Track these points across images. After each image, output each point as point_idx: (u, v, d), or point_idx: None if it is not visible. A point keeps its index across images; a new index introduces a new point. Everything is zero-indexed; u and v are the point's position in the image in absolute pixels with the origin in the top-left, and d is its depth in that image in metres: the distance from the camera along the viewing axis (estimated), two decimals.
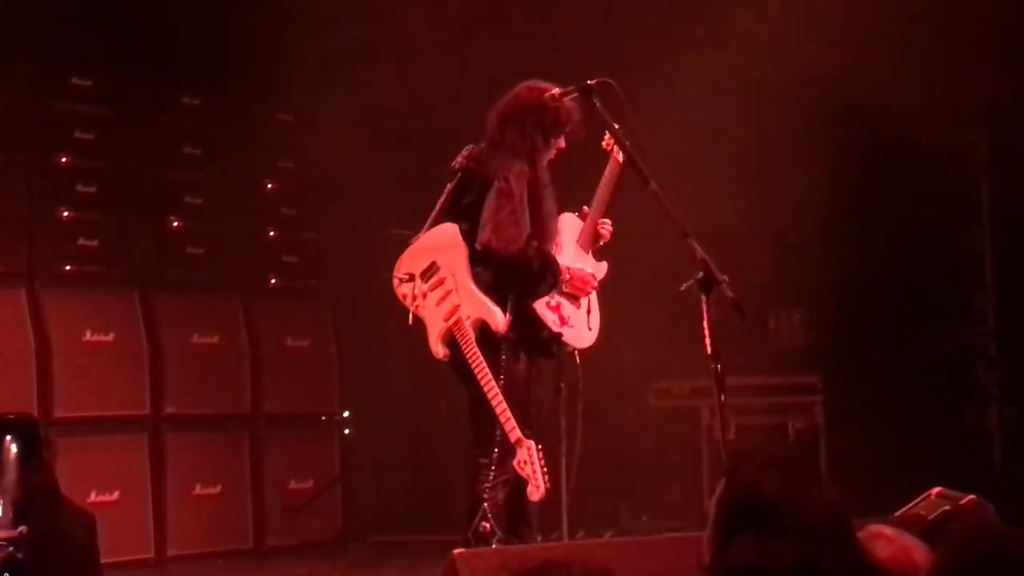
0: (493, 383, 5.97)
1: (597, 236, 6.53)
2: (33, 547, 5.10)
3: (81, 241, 8.51)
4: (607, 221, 6.50)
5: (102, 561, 7.52)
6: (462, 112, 7.78)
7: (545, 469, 5.88)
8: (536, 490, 5.88)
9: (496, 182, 6.18)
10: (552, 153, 6.36)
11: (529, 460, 5.87)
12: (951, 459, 8.58)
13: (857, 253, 9.24)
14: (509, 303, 6.18)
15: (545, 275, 6.25)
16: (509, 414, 5.92)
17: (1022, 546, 2.88)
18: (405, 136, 9.33)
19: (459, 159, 6.36)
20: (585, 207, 6.51)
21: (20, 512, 5.13)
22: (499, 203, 6.16)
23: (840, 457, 8.81)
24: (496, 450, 6.00)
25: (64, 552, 5.38)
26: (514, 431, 5.91)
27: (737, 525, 2.91)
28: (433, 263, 6.26)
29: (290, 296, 9.67)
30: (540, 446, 5.93)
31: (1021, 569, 2.84)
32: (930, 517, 4.87)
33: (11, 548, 5.00)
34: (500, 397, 5.95)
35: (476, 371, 6.01)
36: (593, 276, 6.44)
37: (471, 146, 6.38)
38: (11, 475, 5.17)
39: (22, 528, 5.08)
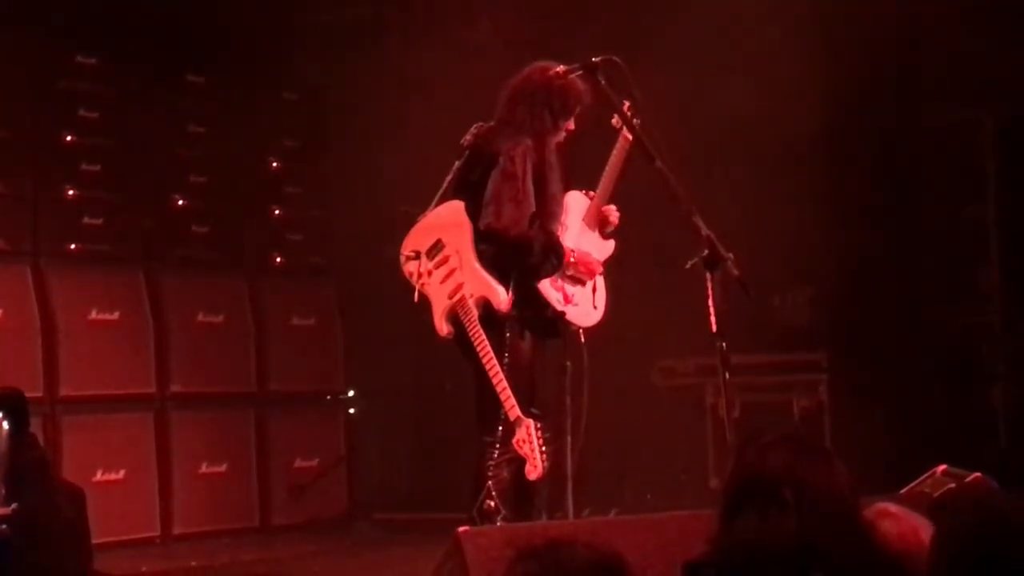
0: (495, 361, 5.98)
1: (604, 215, 6.51)
2: (23, 524, 5.10)
3: (86, 219, 8.51)
4: (614, 208, 6.49)
5: (108, 539, 7.63)
6: (467, 90, 7.76)
7: (544, 448, 5.88)
8: (533, 469, 5.87)
9: (500, 160, 6.18)
10: (561, 135, 6.36)
11: (527, 439, 5.87)
12: (956, 437, 8.59)
13: (862, 231, 9.23)
14: (512, 281, 6.18)
15: (548, 257, 6.24)
16: (509, 392, 5.93)
17: (1019, 510, 2.89)
18: (409, 115, 9.30)
19: (468, 136, 6.37)
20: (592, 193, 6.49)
21: (12, 489, 5.13)
22: (502, 184, 6.17)
23: (845, 435, 8.81)
24: (501, 428, 6.00)
25: (54, 528, 5.40)
26: (513, 409, 5.91)
27: (740, 502, 2.91)
28: (438, 241, 6.26)
29: (295, 274, 9.67)
30: (540, 425, 5.93)
31: (1017, 533, 2.85)
32: (935, 495, 4.88)
33: (2, 526, 5.01)
34: (501, 375, 5.95)
35: (478, 349, 6.01)
36: (598, 261, 6.43)
37: (480, 123, 6.39)
38: (2, 450, 5.17)
39: (14, 505, 5.08)
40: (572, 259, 6.31)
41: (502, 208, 6.15)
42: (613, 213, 6.50)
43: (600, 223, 6.53)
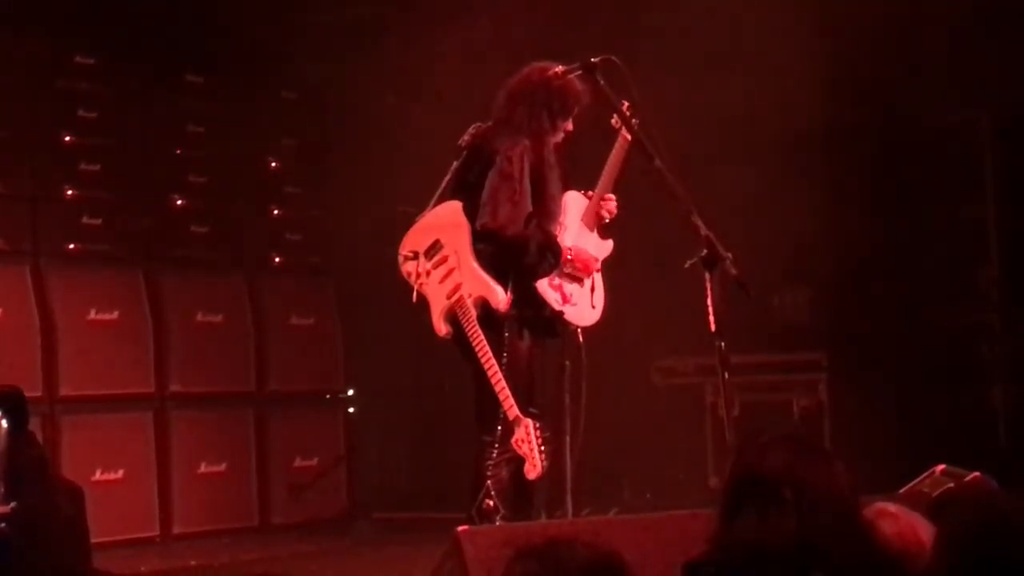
0: (493, 361, 5.98)
1: (602, 214, 6.50)
2: (22, 523, 5.09)
3: (85, 219, 8.51)
4: (612, 197, 6.47)
5: (107, 539, 7.61)
6: (466, 90, 7.76)
7: (543, 448, 5.88)
8: (532, 468, 5.88)
9: (497, 161, 6.18)
10: (560, 136, 6.36)
11: (526, 438, 5.87)
12: (955, 436, 8.58)
13: (861, 230, 9.23)
14: (511, 281, 6.18)
15: (545, 256, 6.24)
16: (508, 392, 5.93)
17: (1019, 510, 2.89)
18: (409, 113, 9.31)
19: (466, 136, 6.37)
20: (590, 194, 6.48)
21: (10, 487, 5.12)
22: (499, 184, 6.17)
23: (844, 434, 8.82)
24: (500, 428, 6.00)
25: (53, 527, 5.38)
26: (512, 409, 5.91)
27: (740, 502, 2.91)
28: (437, 241, 6.26)
29: (294, 274, 9.67)
30: (539, 424, 5.93)
31: (1018, 533, 2.85)
32: (934, 494, 4.88)
33: (1, 524, 4.99)
34: (499, 375, 5.95)
35: (476, 349, 6.02)
36: (595, 258, 6.43)
37: (478, 123, 6.39)
38: (1, 449, 5.16)
39: (13, 504, 5.07)
40: (569, 256, 6.30)
41: (498, 208, 6.15)
42: (611, 204, 6.46)
43: (599, 221, 6.51)
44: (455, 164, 6.36)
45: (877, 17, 8.66)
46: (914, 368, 9.17)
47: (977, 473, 5.25)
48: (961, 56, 8.80)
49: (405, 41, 9.63)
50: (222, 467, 9.01)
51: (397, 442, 10.41)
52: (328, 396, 9.83)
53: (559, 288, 6.31)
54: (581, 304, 6.39)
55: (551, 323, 6.32)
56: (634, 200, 6.62)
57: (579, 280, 6.38)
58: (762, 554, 2.85)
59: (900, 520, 3.31)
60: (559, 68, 6.13)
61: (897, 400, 8.93)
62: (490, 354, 5.99)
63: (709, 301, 5.19)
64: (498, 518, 5.92)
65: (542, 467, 5.87)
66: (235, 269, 9.35)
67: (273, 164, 9.63)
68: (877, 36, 8.77)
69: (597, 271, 6.45)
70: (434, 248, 6.26)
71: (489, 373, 5.97)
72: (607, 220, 6.49)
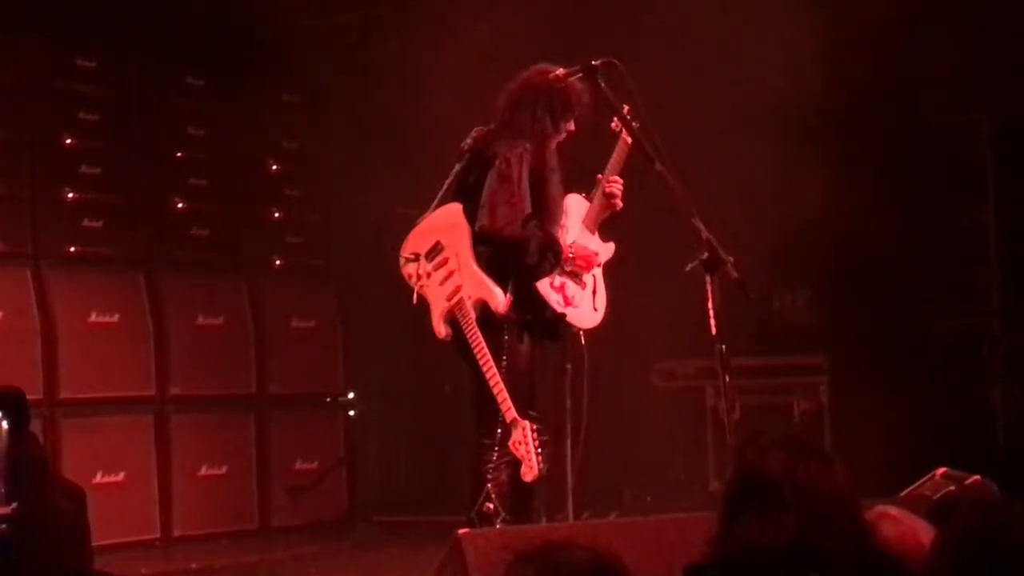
0: (491, 363, 5.97)
1: (606, 212, 6.48)
2: (23, 524, 5.08)
3: (86, 222, 8.51)
4: (618, 179, 6.44)
5: (108, 541, 7.61)
6: (466, 92, 7.76)
7: (540, 450, 5.87)
8: (529, 471, 5.87)
9: (496, 163, 6.19)
10: (562, 136, 6.36)
11: (523, 441, 5.87)
12: (956, 439, 8.58)
13: (861, 231, 9.23)
14: (511, 283, 6.18)
15: (545, 256, 6.24)
16: (506, 394, 5.92)
17: (1021, 514, 2.90)
18: (409, 116, 9.31)
19: (468, 140, 6.39)
20: (600, 176, 6.47)
21: (11, 488, 5.11)
22: (496, 186, 6.18)
23: (845, 437, 8.82)
24: (499, 431, 6.00)
25: (54, 528, 5.37)
26: (510, 411, 5.90)
27: (741, 503, 2.92)
28: (437, 243, 6.26)
29: (295, 277, 9.66)
30: (536, 427, 5.93)
31: (1020, 537, 2.85)
32: (935, 497, 4.87)
33: (2, 525, 4.98)
34: (497, 377, 5.95)
35: (475, 351, 6.01)
36: (595, 253, 6.43)
37: (480, 127, 6.40)
38: (2, 449, 5.14)
39: (14, 505, 5.06)
40: (570, 255, 6.30)
41: (496, 209, 6.16)
42: (617, 186, 6.42)
43: (603, 215, 6.48)
44: (457, 167, 6.37)
45: (877, 18, 8.66)
46: (915, 370, 9.17)
47: (978, 476, 5.25)
48: (961, 57, 8.80)
49: (404, 43, 9.63)
50: (223, 470, 9.01)
51: (397, 445, 10.41)
52: (328, 399, 9.82)
53: (561, 289, 6.31)
54: (583, 306, 6.39)
55: (553, 325, 6.32)
56: (635, 202, 6.62)
57: (581, 281, 6.37)
58: (762, 555, 2.85)
59: (901, 523, 3.31)
60: (560, 71, 6.14)
61: (898, 403, 8.92)
62: (489, 356, 5.99)
63: (710, 304, 5.19)
64: (498, 521, 5.92)
65: (539, 469, 5.87)
66: (236, 272, 9.35)
67: (274, 167, 9.63)
68: (877, 37, 8.77)
69: (598, 265, 6.44)
70: (435, 250, 6.26)
71: (487, 375, 5.97)
72: (617, 199, 6.41)
